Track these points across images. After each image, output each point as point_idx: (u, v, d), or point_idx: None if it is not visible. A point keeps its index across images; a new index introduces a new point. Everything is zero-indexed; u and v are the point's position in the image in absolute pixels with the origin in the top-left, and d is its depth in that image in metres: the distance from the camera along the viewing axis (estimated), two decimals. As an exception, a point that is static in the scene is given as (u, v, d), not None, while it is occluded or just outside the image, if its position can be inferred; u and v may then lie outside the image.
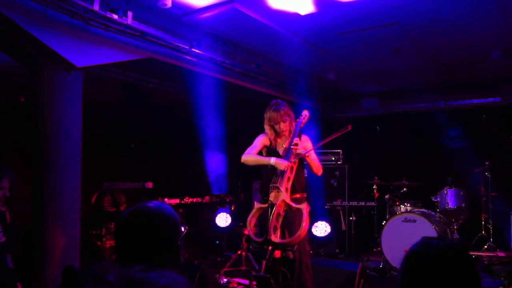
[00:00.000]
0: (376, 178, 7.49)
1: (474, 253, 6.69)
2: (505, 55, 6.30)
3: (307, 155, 4.22)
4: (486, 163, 7.15)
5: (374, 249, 7.31)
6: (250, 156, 4.33)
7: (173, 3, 4.67)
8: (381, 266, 6.59)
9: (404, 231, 6.34)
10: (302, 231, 3.87)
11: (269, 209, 3.99)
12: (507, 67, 6.99)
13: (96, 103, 7.90)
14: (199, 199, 7.49)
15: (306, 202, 4.13)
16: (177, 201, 7.13)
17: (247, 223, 4.19)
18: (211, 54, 5.78)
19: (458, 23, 5.34)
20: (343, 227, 7.77)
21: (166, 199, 6.93)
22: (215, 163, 9.03)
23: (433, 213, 6.65)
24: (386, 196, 7.17)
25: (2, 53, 4.93)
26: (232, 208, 7.88)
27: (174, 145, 9.84)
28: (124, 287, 0.95)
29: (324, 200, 7.82)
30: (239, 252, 6.64)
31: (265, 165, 4.33)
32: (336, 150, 8.15)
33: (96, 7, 4.27)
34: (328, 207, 7.84)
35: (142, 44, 5.13)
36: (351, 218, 7.66)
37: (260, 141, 4.49)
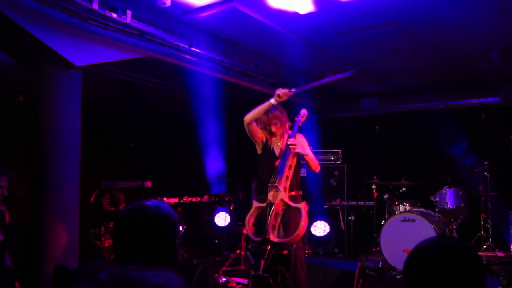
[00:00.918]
0: (375, 177, 7.48)
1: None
2: (504, 55, 6.30)
3: (305, 153, 4.21)
4: (486, 163, 7.16)
5: (373, 249, 7.30)
6: (250, 113, 4.33)
7: (172, 2, 4.67)
8: (380, 265, 6.59)
9: (403, 231, 6.34)
10: (300, 230, 3.87)
11: (268, 208, 3.99)
12: (506, 67, 6.99)
13: (95, 102, 7.89)
14: (198, 199, 7.48)
15: (304, 201, 4.12)
16: (176, 200, 7.13)
17: (246, 223, 4.19)
18: (210, 53, 5.78)
19: (457, 23, 5.34)
20: (342, 226, 7.77)
21: (165, 198, 6.93)
22: (214, 162, 9.02)
23: (432, 213, 6.65)
24: (385, 196, 7.16)
25: (1, 52, 4.92)
26: (231, 208, 7.88)
27: (173, 144, 9.83)
28: (116, 287, 0.94)
29: (323, 199, 7.82)
30: (238, 252, 6.64)
31: (262, 162, 4.39)
32: (335, 150, 8.15)
33: (95, 5, 4.26)
34: (327, 206, 7.84)
35: (141, 43, 5.12)
36: (350, 217, 7.65)
37: (259, 136, 4.53)
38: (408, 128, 8.73)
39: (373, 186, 7.48)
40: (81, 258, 4.90)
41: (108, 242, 6.93)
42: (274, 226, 3.96)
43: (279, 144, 4.40)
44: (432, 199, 7.14)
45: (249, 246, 6.99)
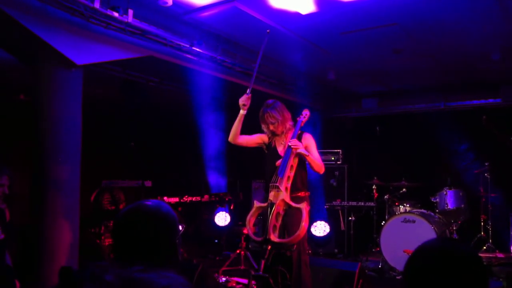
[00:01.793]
0: (375, 178, 7.48)
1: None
2: (505, 56, 6.30)
3: (307, 154, 4.19)
4: (486, 164, 7.15)
5: (373, 249, 7.30)
6: (231, 132, 4.42)
7: (174, 1, 4.67)
8: (380, 266, 6.59)
9: (403, 232, 6.34)
10: (301, 231, 3.86)
11: (269, 208, 3.99)
12: (507, 68, 6.99)
13: (96, 101, 7.89)
14: (198, 198, 7.48)
15: (305, 202, 4.11)
16: (176, 199, 7.13)
17: (246, 223, 4.18)
18: (211, 53, 5.78)
19: (458, 24, 5.34)
20: (342, 227, 7.77)
21: (165, 198, 6.92)
22: (214, 162, 9.02)
23: (432, 213, 6.65)
24: (385, 197, 7.16)
25: (2, 50, 4.92)
26: (231, 207, 7.87)
27: (173, 143, 9.83)
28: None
29: (323, 200, 7.82)
30: (238, 251, 6.64)
31: (267, 161, 4.42)
32: (336, 150, 8.15)
33: (96, 4, 4.26)
34: (327, 207, 7.84)
35: (142, 42, 5.12)
36: (350, 218, 7.65)
37: (258, 135, 4.54)
38: (409, 129, 8.73)
39: (373, 187, 7.48)
40: (81, 257, 4.90)
41: (108, 241, 6.93)
42: (275, 226, 3.95)
43: (283, 143, 4.39)
44: (432, 200, 7.13)
45: (249, 246, 6.99)
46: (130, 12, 4.61)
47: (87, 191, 6.54)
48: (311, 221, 7.43)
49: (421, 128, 8.42)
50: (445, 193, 7.02)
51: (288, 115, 4.38)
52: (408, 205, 7.03)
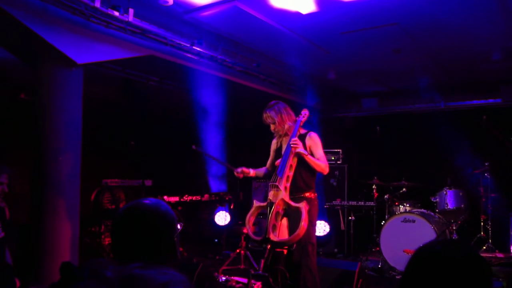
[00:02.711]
0: (375, 178, 7.48)
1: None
2: (506, 56, 6.30)
3: (305, 153, 4.16)
4: (486, 164, 7.15)
5: (373, 249, 7.30)
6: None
7: (174, 0, 4.68)
8: (379, 266, 6.59)
9: (403, 231, 6.34)
10: (300, 230, 3.86)
11: (268, 207, 3.99)
12: (507, 68, 6.99)
13: (96, 100, 7.89)
14: (198, 197, 7.48)
15: (305, 201, 4.07)
16: (176, 199, 7.13)
17: (246, 222, 4.19)
18: (212, 53, 5.79)
19: (458, 24, 5.34)
20: (342, 226, 7.77)
21: (165, 197, 6.93)
22: (214, 161, 9.01)
23: (432, 213, 6.65)
24: (385, 196, 7.16)
25: (3, 49, 4.93)
26: (231, 207, 7.88)
27: (174, 143, 9.83)
28: (122, 284, 0.94)
29: (323, 199, 7.82)
30: (237, 251, 6.64)
31: (273, 160, 4.44)
32: (336, 150, 8.16)
33: (97, 4, 4.27)
34: (327, 206, 7.84)
35: (143, 41, 5.13)
36: (350, 217, 7.65)
37: (272, 148, 4.59)
38: (409, 129, 8.73)
39: (373, 187, 7.48)
40: (81, 256, 4.91)
41: (108, 240, 6.94)
42: (274, 225, 3.96)
43: (285, 144, 4.40)
44: (432, 200, 7.13)
45: (249, 246, 6.99)
46: (131, 11, 4.62)
47: (87, 190, 6.55)
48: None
49: (421, 128, 8.43)
50: (445, 193, 7.02)
51: (287, 116, 4.32)
52: (408, 205, 7.03)
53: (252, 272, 4.13)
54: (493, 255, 6.77)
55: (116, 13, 4.48)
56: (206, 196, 7.66)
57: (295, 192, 4.19)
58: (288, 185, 4.12)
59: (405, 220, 6.38)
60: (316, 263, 4.19)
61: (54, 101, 4.59)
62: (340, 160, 8.11)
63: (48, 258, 4.50)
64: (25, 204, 4.73)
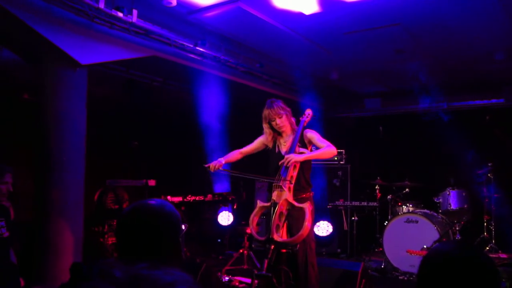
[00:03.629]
0: (378, 178, 7.48)
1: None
2: (508, 56, 6.29)
3: (305, 156, 4.15)
4: (489, 164, 7.13)
5: (376, 249, 7.31)
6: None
7: (178, 1, 4.69)
8: (382, 266, 6.60)
9: (406, 232, 6.35)
10: (304, 230, 3.87)
11: (272, 208, 4.00)
12: (510, 68, 6.98)
13: (100, 100, 7.91)
14: (201, 198, 7.48)
15: (309, 202, 4.10)
16: (179, 199, 7.13)
17: (250, 222, 4.19)
18: (215, 53, 5.80)
19: (461, 24, 5.34)
20: (345, 227, 7.77)
21: (168, 197, 6.93)
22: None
23: (435, 214, 6.64)
24: (388, 197, 7.16)
25: (7, 50, 4.95)
26: (235, 207, 7.87)
27: (177, 143, 9.85)
28: (130, 284, 0.95)
29: (326, 200, 7.82)
30: (241, 251, 6.64)
31: (270, 161, 4.43)
32: (339, 150, 8.15)
33: (101, 4, 4.29)
34: (330, 207, 7.84)
35: (146, 42, 5.15)
36: (353, 218, 7.65)
37: (259, 139, 4.54)
38: (412, 129, 8.72)
39: (376, 187, 7.48)
40: (84, 256, 4.92)
41: (111, 240, 6.96)
42: (278, 225, 3.96)
43: (284, 143, 4.40)
44: (435, 200, 7.13)
45: (252, 246, 7.00)
46: (135, 12, 4.64)
47: (91, 190, 6.56)
48: (314, 220, 7.43)
49: (424, 128, 8.41)
50: (448, 193, 7.01)
51: (290, 113, 4.39)
52: (411, 205, 7.03)
53: (256, 272, 4.14)
54: (497, 256, 6.75)
55: (120, 14, 4.49)
56: (210, 196, 7.66)
57: (299, 192, 4.20)
58: (292, 185, 4.13)
59: (408, 221, 6.39)
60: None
61: (58, 102, 4.61)
62: (343, 160, 8.10)
63: (52, 258, 4.52)
64: (28, 203, 4.75)
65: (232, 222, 7.84)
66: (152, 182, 7.23)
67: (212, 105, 7.72)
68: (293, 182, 4.12)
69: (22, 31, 4.26)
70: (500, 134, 6.72)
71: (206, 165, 4.35)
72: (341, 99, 9.36)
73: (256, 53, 6.50)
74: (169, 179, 8.58)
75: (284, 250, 4.18)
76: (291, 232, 4.13)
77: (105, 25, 4.63)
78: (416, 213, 6.45)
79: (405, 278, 6.19)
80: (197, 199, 7.37)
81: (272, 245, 3.91)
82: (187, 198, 7.25)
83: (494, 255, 6.74)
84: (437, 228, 6.11)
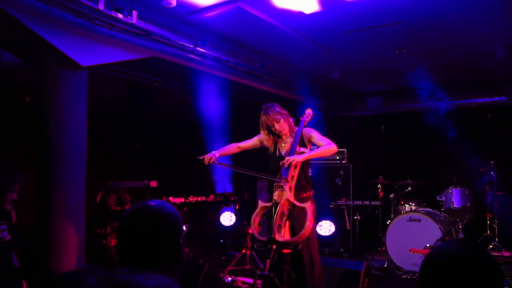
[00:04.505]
0: (380, 177, 7.47)
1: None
2: (510, 54, 6.27)
3: (306, 156, 4.14)
4: (492, 162, 7.11)
5: (379, 249, 7.29)
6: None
7: (177, 2, 4.68)
8: (385, 265, 6.58)
9: (409, 231, 6.33)
10: (306, 230, 3.86)
11: (273, 208, 3.99)
12: (512, 66, 6.96)
13: (101, 102, 7.92)
14: (203, 198, 7.49)
15: (310, 201, 4.10)
16: (181, 200, 7.14)
17: (251, 222, 4.19)
18: (215, 53, 5.79)
19: (463, 22, 5.32)
20: (348, 226, 7.76)
21: (170, 198, 6.94)
22: (220, 160, 9.01)
23: (438, 212, 6.63)
24: (390, 195, 7.15)
25: (8, 52, 4.95)
26: (237, 207, 7.87)
27: (178, 144, 9.85)
28: None
29: (328, 199, 7.81)
30: (243, 251, 6.64)
31: (270, 162, 4.41)
32: (341, 149, 8.13)
33: (101, 6, 4.28)
34: (332, 206, 7.83)
35: (146, 43, 5.14)
36: (355, 217, 7.64)
37: (257, 137, 4.56)
38: (414, 128, 8.70)
39: (378, 186, 7.47)
40: (87, 258, 4.92)
41: (114, 242, 6.95)
42: (279, 225, 3.96)
43: (284, 145, 4.39)
44: (438, 199, 7.11)
45: (255, 246, 6.99)
46: (134, 13, 4.63)
47: (93, 191, 6.57)
48: (316, 220, 7.42)
49: (426, 126, 8.39)
50: (450, 191, 6.99)
51: (288, 116, 4.39)
52: (413, 204, 7.02)
53: (258, 272, 4.13)
54: (500, 254, 6.73)
55: (120, 15, 4.49)
56: (211, 196, 7.67)
57: (299, 191, 4.20)
58: (293, 185, 4.13)
59: (411, 219, 6.37)
60: None
61: (59, 104, 4.61)
62: (345, 159, 8.09)
63: (54, 260, 4.51)
64: (30, 206, 4.74)
65: (234, 223, 7.84)
66: (154, 183, 7.23)
67: (213, 105, 7.72)
68: (294, 181, 4.12)
69: (22, 34, 4.26)
70: (502, 132, 6.69)
71: (201, 157, 4.35)
72: (342, 98, 9.35)
73: (256, 53, 6.49)
74: (171, 180, 8.59)
75: (286, 251, 4.18)
76: (294, 231, 4.12)
77: (105, 26, 4.63)
78: (418, 211, 6.43)
79: (408, 277, 6.18)
80: (199, 199, 7.38)
81: (273, 245, 3.90)
82: (189, 199, 7.26)
83: (497, 253, 6.72)
84: (440, 227, 6.09)
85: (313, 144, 4.40)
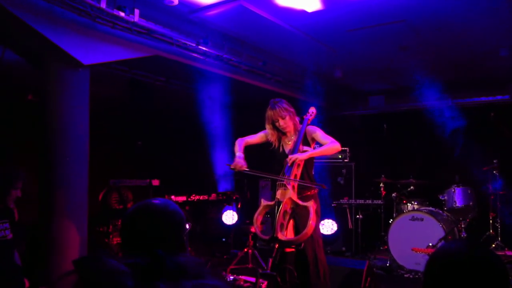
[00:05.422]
0: (383, 176, 7.45)
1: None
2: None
3: (309, 154, 4.14)
4: (494, 161, 7.08)
5: (381, 248, 7.28)
6: (236, 144, 4.42)
7: (179, 0, 4.68)
8: (388, 264, 6.57)
9: (411, 230, 6.32)
10: (308, 229, 3.85)
11: (276, 206, 3.98)
12: (515, 65, 6.93)
13: (103, 100, 7.92)
14: (205, 197, 7.49)
15: (313, 200, 4.08)
16: (183, 198, 7.14)
17: (254, 221, 4.18)
18: (217, 52, 5.78)
19: (466, 21, 5.30)
20: (350, 225, 7.75)
21: (173, 197, 6.94)
22: (221, 160, 9.02)
23: (440, 211, 6.61)
24: (393, 194, 7.13)
25: (10, 51, 4.95)
26: (239, 206, 7.87)
27: (180, 142, 9.85)
28: None
29: (330, 198, 7.80)
30: (245, 250, 6.64)
31: (275, 160, 4.39)
32: (343, 148, 8.12)
33: (103, 4, 4.28)
34: (334, 205, 7.82)
35: (149, 41, 5.13)
36: (358, 216, 7.63)
37: (262, 133, 4.51)
38: (416, 126, 8.68)
39: (381, 185, 7.46)
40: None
41: (116, 240, 6.97)
42: (282, 224, 3.95)
43: (288, 143, 4.39)
44: (440, 198, 7.09)
45: (257, 245, 6.99)
46: (136, 11, 4.63)
47: (95, 190, 6.57)
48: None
49: (428, 125, 8.37)
50: (453, 190, 6.97)
51: (294, 113, 4.37)
52: (416, 203, 7.00)
53: (260, 271, 4.13)
54: (503, 253, 6.72)
55: (122, 14, 4.48)
56: (214, 195, 7.67)
57: (303, 190, 4.19)
58: (296, 184, 4.12)
59: (413, 218, 6.36)
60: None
61: (61, 102, 4.61)
62: (347, 158, 8.08)
63: (56, 258, 4.51)
64: (33, 204, 4.75)
65: (237, 221, 7.83)
66: (156, 182, 7.24)
67: (215, 104, 7.72)
68: (297, 180, 4.11)
69: (24, 32, 4.26)
70: (505, 131, 6.67)
71: (232, 166, 4.26)
72: (344, 96, 9.33)
73: (259, 51, 6.48)
74: (173, 178, 8.59)
75: (288, 250, 4.17)
76: (298, 230, 4.12)
77: (107, 25, 4.62)
78: (421, 210, 6.42)
79: (411, 276, 6.17)
80: (201, 198, 7.38)
81: (276, 244, 3.90)
82: (191, 197, 7.25)
83: (500, 253, 6.70)
84: (442, 226, 6.08)
85: (317, 143, 4.39)
